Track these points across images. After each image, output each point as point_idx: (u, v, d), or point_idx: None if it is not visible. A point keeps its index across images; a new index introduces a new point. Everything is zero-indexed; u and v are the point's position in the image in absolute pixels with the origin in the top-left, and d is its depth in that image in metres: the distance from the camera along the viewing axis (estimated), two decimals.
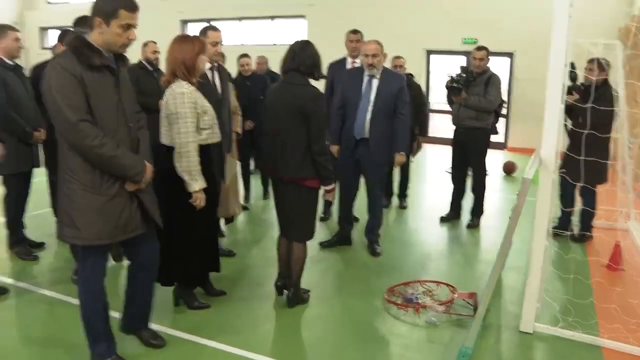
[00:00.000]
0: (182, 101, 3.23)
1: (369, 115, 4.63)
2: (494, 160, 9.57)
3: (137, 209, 2.74)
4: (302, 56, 3.55)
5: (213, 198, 3.54)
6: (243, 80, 6.48)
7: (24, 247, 4.62)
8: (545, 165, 3.20)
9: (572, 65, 4.21)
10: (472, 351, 2.78)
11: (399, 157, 4.76)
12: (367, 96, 4.65)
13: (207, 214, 3.50)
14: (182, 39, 3.38)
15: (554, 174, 3.21)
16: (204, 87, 3.58)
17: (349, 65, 5.56)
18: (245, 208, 6.28)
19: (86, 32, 2.60)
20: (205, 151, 3.41)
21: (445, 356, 3.12)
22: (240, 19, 15.81)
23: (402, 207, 6.71)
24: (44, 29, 18.21)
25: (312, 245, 4.98)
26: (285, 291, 3.86)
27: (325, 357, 3.16)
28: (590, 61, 4.99)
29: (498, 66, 12.21)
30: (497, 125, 5.93)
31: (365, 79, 4.69)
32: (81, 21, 3.83)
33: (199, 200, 3.29)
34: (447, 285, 4.11)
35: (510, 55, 11.58)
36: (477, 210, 5.87)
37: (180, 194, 3.30)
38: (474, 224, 5.83)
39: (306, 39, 3.69)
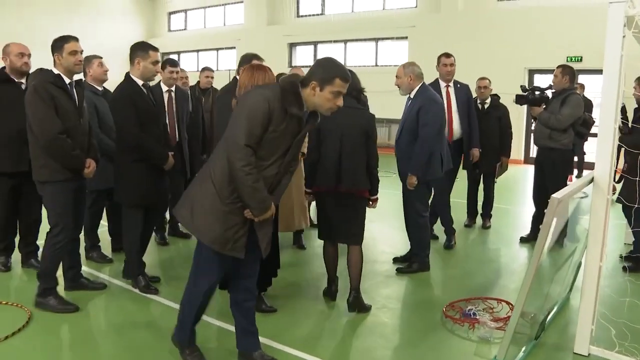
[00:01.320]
0: None
1: (397, 134, 4.89)
2: None
3: (245, 234, 2.88)
4: (351, 83, 3.96)
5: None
6: None
7: (98, 252, 5.12)
8: (599, 185, 3.18)
9: None
10: None
11: (409, 178, 4.69)
12: (402, 116, 4.89)
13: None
14: (256, 68, 3.72)
15: (609, 194, 3.18)
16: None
17: (443, 89, 5.64)
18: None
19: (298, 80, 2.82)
20: None
21: None
22: (345, 41, 16.35)
23: (485, 227, 6.67)
24: (165, 54, 19.91)
25: (387, 260, 5.21)
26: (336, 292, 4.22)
27: None
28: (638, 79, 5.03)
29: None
30: (582, 146, 5.82)
31: (407, 100, 4.91)
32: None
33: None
34: (508, 303, 4.12)
35: None
36: None
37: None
38: None
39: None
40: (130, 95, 4.04)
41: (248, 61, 4.27)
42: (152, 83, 4.42)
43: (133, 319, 3.94)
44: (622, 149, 4.56)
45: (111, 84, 5.24)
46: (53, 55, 3.83)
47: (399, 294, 4.52)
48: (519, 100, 5.76)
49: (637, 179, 3.59)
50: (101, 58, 4.95)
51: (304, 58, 17.32)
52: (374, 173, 3.99)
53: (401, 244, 5.64)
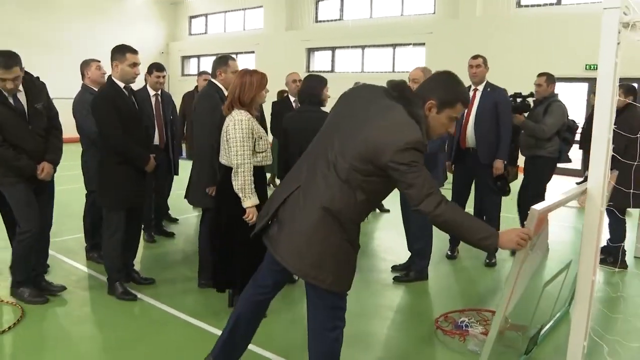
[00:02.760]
0: (240, 127, 3.60)
1: None
2: None
3: None
4: (305, 89, 4.41)
5: None
6: None
7: (98, 253, 5.07)
8: (592, 196, 3.07)
9: None
10: None
11: None
12: None
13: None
14: (243, 74, 3.72)
15: (602, 206, 3.07)
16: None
17: (471, 92, 5.36)
18: None
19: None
20: (260, 172, 3.74)
21: None
22: (362, 47, 16.29)
23: None
24: (185, 58, 20.12)
25: (386, 269, 5.13)
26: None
27: None
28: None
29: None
30: (568, 153, 5.80)
31: None
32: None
33: (251, 216, 3.59)
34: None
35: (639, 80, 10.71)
36: None
37: (234, 208, 3.64)
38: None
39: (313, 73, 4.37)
40: (113, 98, 4.03)
41: (224, 63, 4.31)
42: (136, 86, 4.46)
43: (125, 319, 3.97)
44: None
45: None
46: None
47: (392, 304, 4.44)
48: None
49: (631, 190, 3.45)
50: (99, 62, 5.02)
51: (322, 63, 17.31)
52: None
53: (402, 252, 5.55)
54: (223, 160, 3.76)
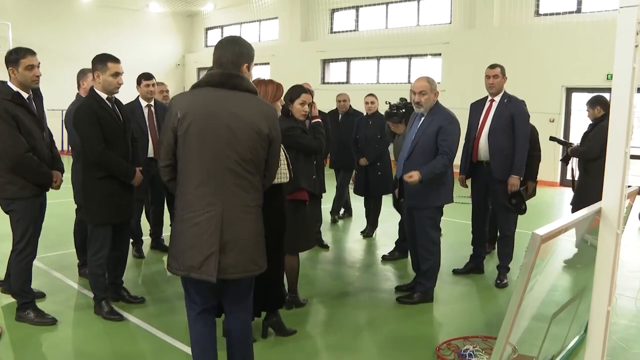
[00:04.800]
0: None
1: (406, 155, 4.43)
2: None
3: None
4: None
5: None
6: (367, 118, 6.74)
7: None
8: (607, 218, 2.77)
9: None
10: None
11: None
12: (411, 135, 4.45)
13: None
14: (257, 83, 3.47)
15: (619, 229, 2.76)
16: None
17: (487, 103, 5.14)
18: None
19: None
20: (277, 191, 3.49)
21: None
22: (378, 57, 16.05)
23: None
24: (201, 69, 20.07)
25: (389, 289, 4.84)
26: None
27: None
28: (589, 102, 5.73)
29: None
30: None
31: (417, 117, 4.49)
32: None
33: None
34: (510, 344, 3.69)
35: None
36: None
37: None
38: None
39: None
40: (96, 111, 3.82)
41: None
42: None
43: (107, 342, 3.77)
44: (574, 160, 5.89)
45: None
46: (7, 69, 3.73)
47: (393, 328, 4.13)
48: (389, 117, 5.42)
49: None
50: (82, 68, 4.85)
51: (337, 74, 17.11)
52: None
53: (409, 271, 5.27)
54: None
